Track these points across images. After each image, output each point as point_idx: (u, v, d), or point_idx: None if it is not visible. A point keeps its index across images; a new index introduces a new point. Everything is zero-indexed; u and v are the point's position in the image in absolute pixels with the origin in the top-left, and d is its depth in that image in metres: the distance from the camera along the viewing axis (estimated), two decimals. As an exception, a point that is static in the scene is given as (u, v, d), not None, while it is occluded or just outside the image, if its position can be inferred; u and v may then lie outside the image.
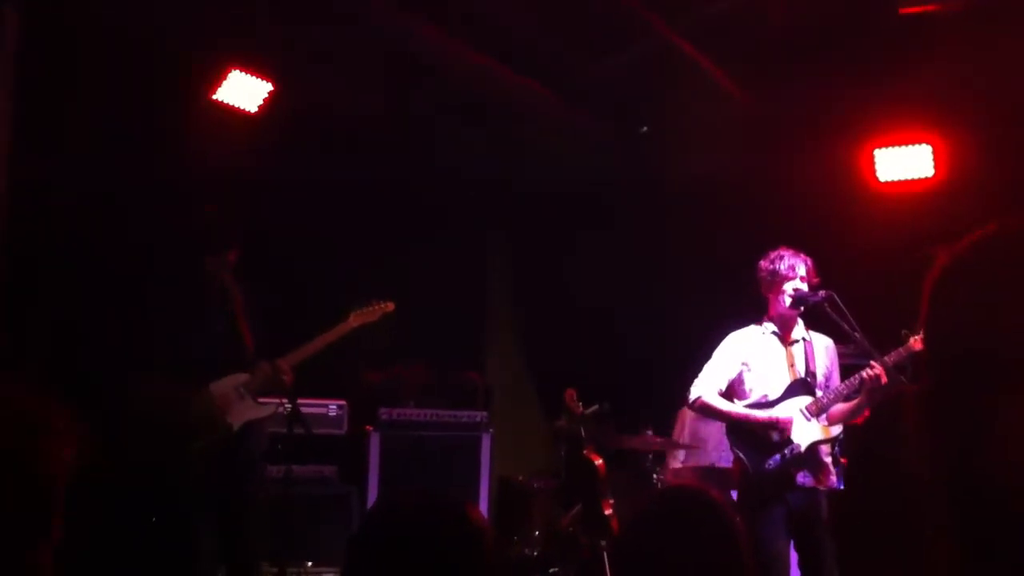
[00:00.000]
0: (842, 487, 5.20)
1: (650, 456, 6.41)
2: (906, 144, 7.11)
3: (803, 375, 5.30)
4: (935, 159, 7.05)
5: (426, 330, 7.75)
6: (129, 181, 6.31)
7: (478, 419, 7.32)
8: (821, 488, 5.16)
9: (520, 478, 8.04)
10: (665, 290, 8.25)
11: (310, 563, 6.25)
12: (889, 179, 7.21)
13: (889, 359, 4.98)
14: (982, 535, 0.86)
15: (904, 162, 7.15)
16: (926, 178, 7.10)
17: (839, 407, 5.21)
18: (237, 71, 6.62)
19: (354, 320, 5.58)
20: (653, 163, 8.09)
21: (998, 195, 6.22)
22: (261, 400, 5.34)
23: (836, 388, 5.22)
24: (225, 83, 6.62)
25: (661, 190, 8.20)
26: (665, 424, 7.10)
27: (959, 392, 0.93)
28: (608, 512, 6.39)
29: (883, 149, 7.19)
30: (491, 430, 7.32)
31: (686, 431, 7.07)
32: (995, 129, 6.60)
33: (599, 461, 6.55)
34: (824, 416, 5.22)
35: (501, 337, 9.06)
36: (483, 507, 7.16)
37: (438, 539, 1.99)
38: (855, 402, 5.14)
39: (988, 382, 0.91)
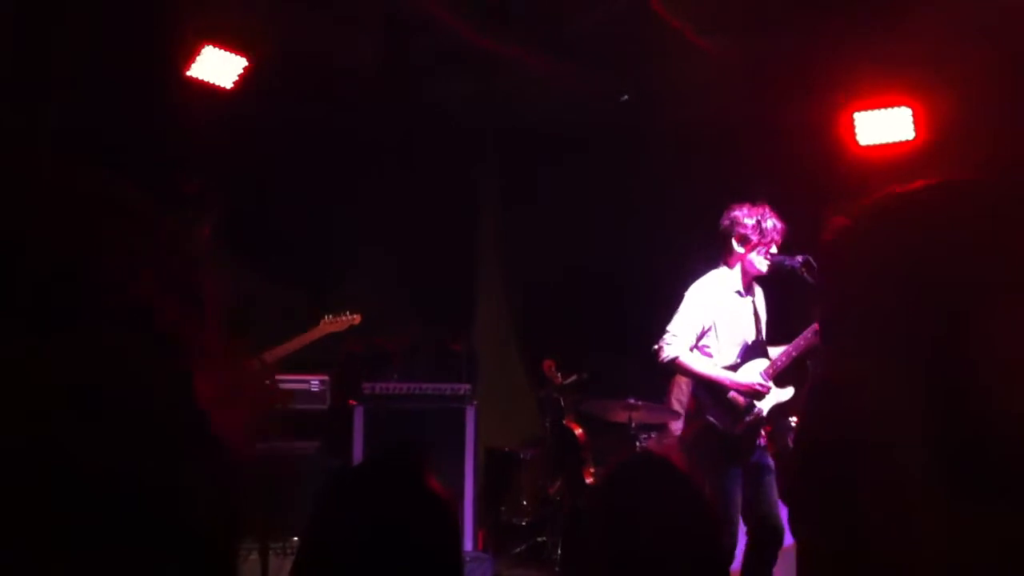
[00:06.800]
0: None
1: (633, 424, 6.41)
2: (886, 107, 7.07)
3: (759, 336, 5.33)
4: (915, 122, 7.02)
5: (411, 299, 7.76)
6: (107, 159, 6.26)
7: (462, 391, 7.31)
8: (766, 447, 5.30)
9: (507, 448, 8.08)
10: (656, 254, 8.16)
11: (295, 538, 6.27)
12: (870, 142, 7.18)
13: None
14: (981, 482, 0.86)
15: (884, 125, 7.11)
16: (907, 141, 7.08)
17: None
18: (211, 47, 6.58)
19: (324, 327, 5.91)
20: (639, 121, 8.02)
21: (979, 157, 6.19)
22: None
23: (787, 351, 5.22)
24: (199, 59, 6.58)
25: (646, 149, 8.13)
26: (650, 391, 7.09)
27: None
28: (590, 480, 6.42)
29: (863, 112, 7.15)
30: (475, 402, 7.33)
31: (685, 398, 7.05)
32: (975, 91, 6.56)
33: (579, 430, 6.59)
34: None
35: (487, 305, 9.03)
36: (469, 478, 7.17)
37: (398, 509, 1.98)
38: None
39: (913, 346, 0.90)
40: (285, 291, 6.54)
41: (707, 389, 5.33)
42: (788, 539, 5.22)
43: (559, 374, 6.86)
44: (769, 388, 5.21)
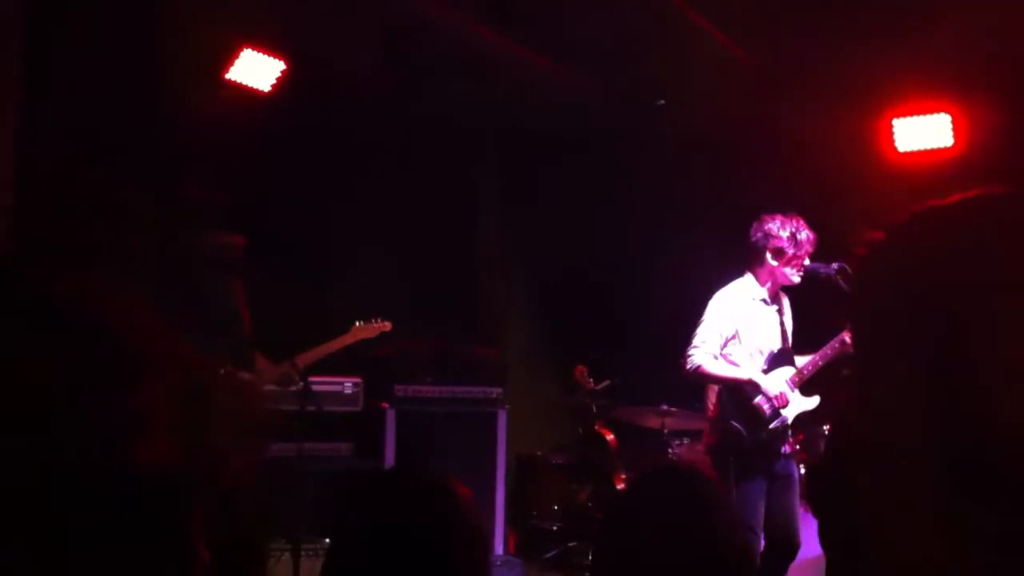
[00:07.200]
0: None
1: (666, 430, 6.40)
2: (925, 113, 7.02)
3: (786, 345, 5.32)
4: (954, 128, 6.96)
5: (437, 301, 7.76)
6: (137, 160, 6.31)
7: (494, 395, 7.32)
8: (795, 455, 5.36)
9: (538, 453, 8.07)
10: (681, 256, 8.10)
11: (328, 539, 6.30)
12: (908, 149, 7.12)
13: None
14: (985, 483, 0.86)
15: (923, 132, 7.06)
16: (946, 148, 7.02)
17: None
18: (249, 49, 6.62)
19: (356, 333, 5.92)
20: (662, 126, 7.97)
21: (1017, 164, 6.13)
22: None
23: (814, 360, 5.23)
24: (237, 62, 6.63)
25: (665, 151, 8.07)
26: (684, 397, 7.05)
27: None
28: (620, 487, 6.41)
29: (902, 119, 7.10)
30: (507, 406, 7.33)
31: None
32: (1014, 98, 6.49)
33: (610, 436, 6.58)
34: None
35: (517, 311, 9.00)
36: (500, 481, 7.18)
37: (414, 517, 1.99)
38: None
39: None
40: (295, 295, 6.56)
41: (731, 396, 5.29)
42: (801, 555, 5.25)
43: (591, 379, 6.85)
44: (788, 402, 5.20)
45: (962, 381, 0.88)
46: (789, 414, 5.21)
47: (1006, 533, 0.85)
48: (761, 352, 5.29)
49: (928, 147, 7.05)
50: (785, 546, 5.11)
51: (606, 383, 6.80)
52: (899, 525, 0.92)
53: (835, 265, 5.10)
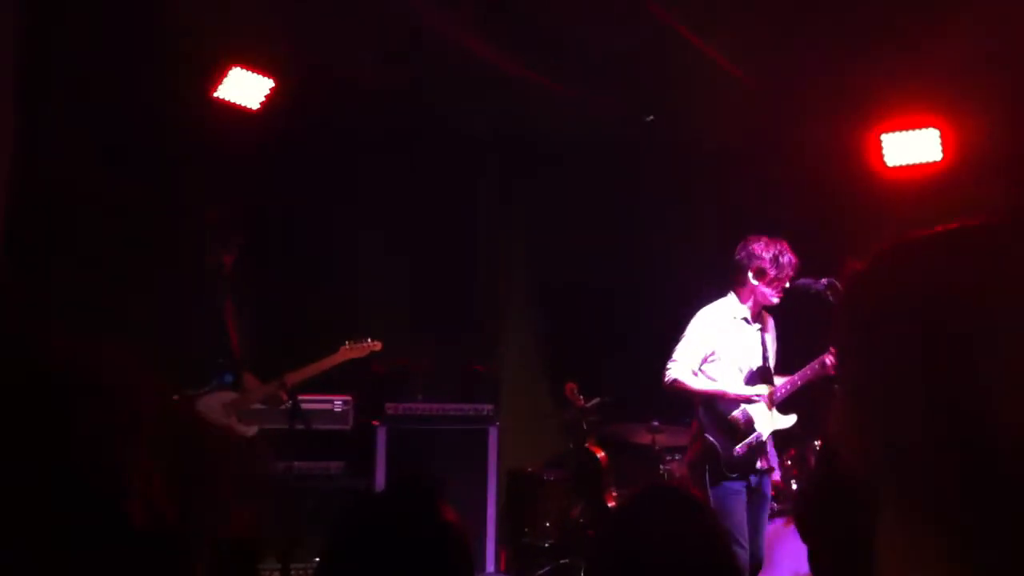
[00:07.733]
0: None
1: (656, 446, 6.41)
2: (913, 128, 7.05)
3: (765, 363, 5.38)
4: (943, 143, 6.98)
5: (433, 319, 7.74)
6: (132, 177, 6.31)
7: (484, 412, 7.31)
8: (772, 470, 5.48)
9: (530, 469, 8.04)
10: (677, 269, 8.10)
11: (318, 559, 6.27)
12: (897, 164, 7.14)
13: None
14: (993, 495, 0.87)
15: (912, 147, 7.08)
16: (934, 162, 7.04)
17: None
18: (238, 68, 6.63)
19: (345, 353, 5.85)
20: (659, 140, 7.99)
21: (1004, 179, 6.16)
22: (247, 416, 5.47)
23: (792, 380, 5.31)
24: (226, 80, 6.63)
25: (666, 164, 8.07)
26: (676, 413, 7.04)
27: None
28: (611, 504, 6.41)
29: (890, 134, 7.12)
30: (498, 423, 7.32)
31: None
32: (1002, 113, 6.52)
33: (601, 454, 6.59)
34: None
35: (511, 325, 8.98)
36: (491, 498, 7.17)
37: (405, 538, 1.99)
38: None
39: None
40: (290, 306, 6.56)
41: (707, 410, 5.40)
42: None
43: (581, 396, 6.84)
44: (759, 399, 5.28)
45: (962, 382, 0.88)
46: (764, 431, 5.31)
47: (1008, 534, 0.85)
48: (740, 370, 5.41)
49: (917, 161, 7.07)
50: (752, 561, 5.19)
51: (596, 400, 6.79)
52: (900, 527, 0.92)
53: (824, 280, 5.16)
